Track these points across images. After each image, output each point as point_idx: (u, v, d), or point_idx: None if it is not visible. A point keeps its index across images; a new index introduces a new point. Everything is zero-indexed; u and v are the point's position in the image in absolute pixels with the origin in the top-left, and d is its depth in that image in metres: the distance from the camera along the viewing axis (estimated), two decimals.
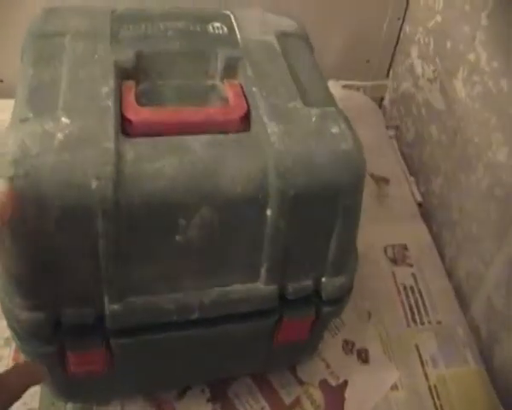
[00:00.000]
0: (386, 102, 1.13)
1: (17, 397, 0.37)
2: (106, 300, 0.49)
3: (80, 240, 0.46)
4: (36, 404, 0.64)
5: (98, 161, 0.45)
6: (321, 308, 0.58)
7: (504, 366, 0.72)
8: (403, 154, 1.02)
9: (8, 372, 0.38)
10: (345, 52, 1.04)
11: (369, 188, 0.92)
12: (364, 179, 0.52)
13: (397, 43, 1.05)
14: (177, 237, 0.48)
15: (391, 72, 1.10)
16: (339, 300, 0.58)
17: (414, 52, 0.99)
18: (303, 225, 0.51)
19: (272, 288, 0.54)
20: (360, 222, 0.83)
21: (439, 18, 0.89)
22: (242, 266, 0.53)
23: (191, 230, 0.48)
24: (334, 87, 1.04)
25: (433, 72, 0.91)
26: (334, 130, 0.53)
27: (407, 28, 1.01)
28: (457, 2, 0.83)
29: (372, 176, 0.93)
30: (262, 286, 0.53)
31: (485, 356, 0.74)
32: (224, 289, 0.53)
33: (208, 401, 0.66)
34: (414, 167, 0.99)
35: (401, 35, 1.04)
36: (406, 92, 1.02)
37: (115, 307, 0.50)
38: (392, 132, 1.03)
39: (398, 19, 1.02)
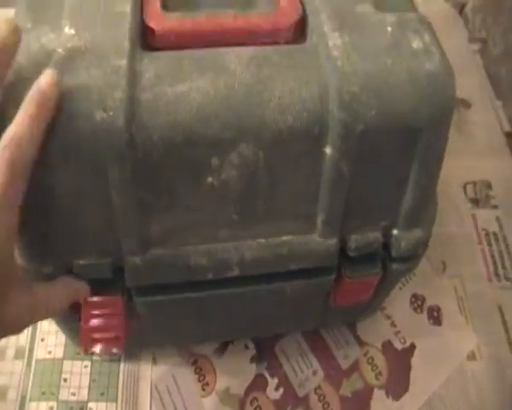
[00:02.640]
0: (468, 10, 0.95)
1: (63, 307, 0.39)
2: (124, 252, 0.40)
3: (88, 183, 0.37)
4: (60, 354, 0.57)
5: (106, 84, 0.34)
6: (390, 266, 0.47)
7: None
8: (488, 72, 0.86)
9: (55, 282, 0.40)
10: None
11: None
12: (453, 111, 0.40)
13: None
14: (209, 179, 0.38)
15: None
16: (412, 256, 0.47)
17: None
18: (372, 169, 0.40)
19: (331, 242, 0.43)
20: None
21: None
22: (293, 216, 0.42)
23: (227, 170, 0.38)
24: None
25: None
26: (416, 44, 0.40)
27: None
28: None
29: None
30: (318, 239, 0.43)
31: None
32: (270, 241, 0.43)
33: (252, 360, 0.58)
34: (502, 89, 0.83)
35: None
36: None
37: (136, 260, 0.41)
38: (476, 46, 0.87)
39: None
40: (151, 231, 0.40)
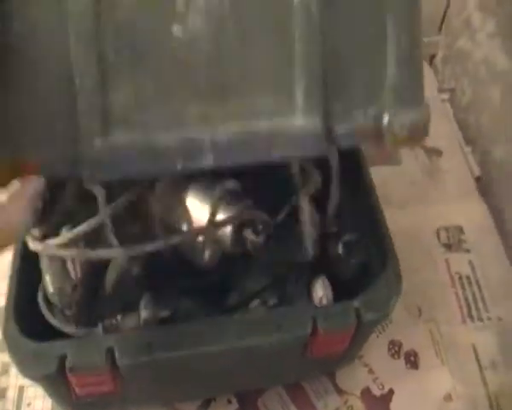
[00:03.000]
0: (437, 61, 1.00)
1: None
2: (83, 134, 0.36)
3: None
4: None
5: None
6: (364, 316, 0.48)
7: None
8: (457, 120, 0.90)
9: None
10: None
11: (419, 161, 0.82)
12: None
13: None
14: (175, 29, 0.36)
15: (443, 26, 0.97)
16: (384, 306, 0.49)
17: (471, 3, 0.86)
18: (344, 19, 0.38)
19: (314, 122, 0.38)
20: (408, 201, 0.73)
21: None
22: (269, 88, 0.38)
23: (193, 16, 0.35)
24: None
25: (496, 25, 0.79)
26: None
27: None
28: None
29: (423, 147, 0.83)
30: (301, 120, 0.38)
31: None
32: (246, 123, 0.38)
33: None
34: (470, 135, 0.87)
35: None
36: (462, 49, 0.90)
37: (97, 142, 0.36)
38: (445, 96, 0.91)
39: None
40: (111, 104, 0.36)
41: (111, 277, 0.51)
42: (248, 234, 0.49)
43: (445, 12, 0.95)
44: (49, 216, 0.50)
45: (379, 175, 0.58)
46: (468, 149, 0.85)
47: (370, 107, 0.40)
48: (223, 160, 0.38)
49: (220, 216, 0.49)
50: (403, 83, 0.40)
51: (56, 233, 0.47)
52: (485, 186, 0.80)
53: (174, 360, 0.47)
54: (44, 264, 0.48)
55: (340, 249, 0.55)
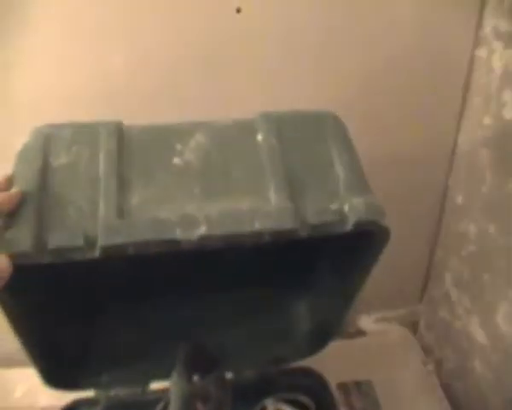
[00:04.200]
0: (421, 329, 1.05)
1: None
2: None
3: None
4: None
5: None
6: None
7: None
8: (445, 389, 0.92)
9: None
10: (375, 283, 1.00)
11: None
12: None
13: (429, 267, 1.01)
14: (175, 160, 0.50)
15: (425, 297, 1.04)
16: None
17: (447, 279, 0.94)
18: (296, 143, 0.53)
19: (286, 204, 0.49)
20: None
21: (472, 248, 0.86)
22: (249, 190, 0.50)
23: (188, 153, 0.51)
24: (367, 323, 1.00)
25: (471, 303, 0.86)
26: None
27: (440, 253, 0.97)
28: (491, 232, 0.79)
29: None
30: (275, 205, 0.49)
31: None
32: (232, 205, 0.49)
33: None
34: (459, 404, 0.88)
35: (434, 260, 0.99)
36: (443, 319, 0.96)
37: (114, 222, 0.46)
38: (431, 366, 0.94)
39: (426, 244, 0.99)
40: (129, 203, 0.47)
41: None
42: None
43: (424, 285, 1.03)
44: None
45: None
46: None
47: (332, 202, 0.50)
48: (215, 229, 0.47)
49: None
50: (352, 182, 0.51)
51: None
52: None
53: None
54: None
55: None
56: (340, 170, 0.52)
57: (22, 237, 0.43)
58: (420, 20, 0.77)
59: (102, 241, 0.44)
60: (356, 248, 0.58)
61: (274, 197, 0.49)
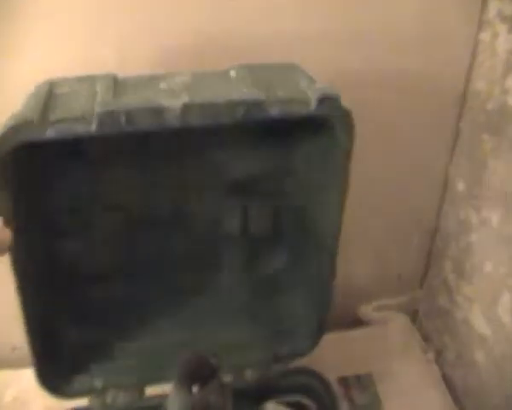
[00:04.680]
0: (421, 316, 1.04)
1: None
2: None
3: None
4: None
5: None
6: None
7: None
8: (445, 378, 0.90)
9: None
10: (374, 270, 0.98)
11: None
12: None
13: (429, 256, 0.99)
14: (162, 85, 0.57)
15: (424, 286, 1.02)
16: None
17: (447, 268, 0.92)
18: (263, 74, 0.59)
19: (257, 92, 0.55)
20: None
21: (473, 236, 0.84)
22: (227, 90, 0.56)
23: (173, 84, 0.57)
24: (366, 312, 0.98)
25: (472, 292, 0.84)
26: None
27: (439, 242, 0.96)
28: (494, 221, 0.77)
29: None
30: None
31: None
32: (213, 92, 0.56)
33: None
34: (457, 393, 0.87)
35: (434, 249, 0.98)
36: (442, 308, 0.94)
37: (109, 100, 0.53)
38: (431, 355, 0.93)
39: (427, 232, 0.97)
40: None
41: None
42: None
43: (424, 273, 1.01)
44: None
45: None
46: None
47: (297, 92, 0.57)
48: (195, 99, 0.53)
49: None
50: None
51: None
52: None
53: None
54: None
55: None
56: (304, 83, 0.58)
57: (28, 115, 0.49)
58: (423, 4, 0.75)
59: (98, 109, 0.50)
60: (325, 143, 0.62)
61: (247, 90, 0.55)
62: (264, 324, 0.72)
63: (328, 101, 0.55)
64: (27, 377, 0.65)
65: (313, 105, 0.54)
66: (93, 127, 0.49)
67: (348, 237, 0.92)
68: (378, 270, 0.99)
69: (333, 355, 0.80)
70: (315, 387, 0.69)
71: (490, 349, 0.80)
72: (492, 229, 0.78)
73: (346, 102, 0.57)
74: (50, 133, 0.49)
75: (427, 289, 1.01)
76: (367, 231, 0.93)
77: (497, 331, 0.78)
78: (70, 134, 0.49)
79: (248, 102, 0.53)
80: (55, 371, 0.62)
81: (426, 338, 0.98)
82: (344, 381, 0.84)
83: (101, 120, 0.49)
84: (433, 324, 0.99)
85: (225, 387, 0.57)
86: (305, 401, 0.69)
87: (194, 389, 0.52)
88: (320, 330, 0.71)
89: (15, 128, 0.48)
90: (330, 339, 0.78)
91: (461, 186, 0.87)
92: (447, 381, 0.90)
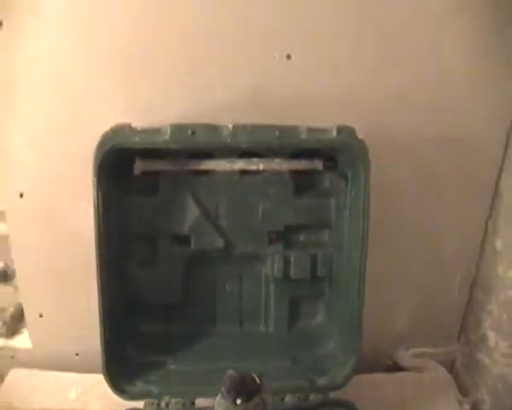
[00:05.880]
0: (457, 367, 1.06)
1: None
2: None
3: None
4: None
5: None
6: None
7: None
8: None
9: None
10: (414, 317, 1.02)
11: None
12: None
13: (467, 308, 1.03)
14: None
15: (462, 337, 1.05)
16: None
17: (485, 322, 0.95)
18: None
19: None
20: None
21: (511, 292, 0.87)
22: None
23: None
24: (403, 357, 1.01)
25: (508, 348, 0.87)
26: None
27: (478, 294, 0.99)
28: None
29: None
30: None
31: None
32: None
33: None
34: None
35: (472, 302, 1.01)
36: (480, 362, 0.97)
37: None
38: (467, 407, 0.95)
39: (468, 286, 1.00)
40: None
41: None
42: None
43: (462, 325, 1.04)
44: None
45: None
46: None
47: None
48: None
49: None
50: None
51: None
52: None
53: None
54: None
55: None
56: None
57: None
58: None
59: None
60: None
61: None
62: (304, 361, 0.79)
63: (345, 128, 0.70)
64: (88, 380, 0.83)
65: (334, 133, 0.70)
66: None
67: (389, 283, 0.97)
68: (417, 319, 1.02)
69: (368, 395, 0.83)
70: None
71: None
72: None
73: None
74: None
75: (464, 342, 1.04)
76: (408, 278, 0.98)
77: None
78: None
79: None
80: (121, 374, 0.74)
81: (462, 390, 1.01)
82: None
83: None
84: (470, 376, 1.01)
85: (267, 405, 0.63)
86: None
87: (238, 401, 0.58)
88: (353, 368, 0.77)
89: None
90: (367, 380, 0.83)
91: (499, 244, 0.91)
92: None
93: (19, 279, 0.94)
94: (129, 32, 0.76)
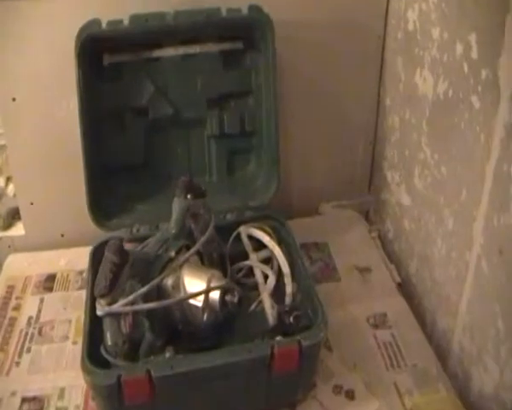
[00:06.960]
0: (371, 214, 1.32)
1: None
2: None
3: None
4: None
5: None
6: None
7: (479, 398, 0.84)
8: (385, 250, 1.19)
9: None
10: (331, 176, 1.28)
11: (354, 277, 1.09)
12: None
13: (373, 164, 1.28)
14: None
15: (372, 189, 1.31)
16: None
17: (385, 166, 1.21)
18: None
19: None
20: (346, 303, 1.01)
21: (397, 134, 1.12)
22: None
23: None
24: (326, 208, 1.26)
25: (399, 176, 1.13)
26: None
27: (378, 147, 1.25)
28: (407, 117, 1.06)
29: (357, 268, 1.11)
30: None
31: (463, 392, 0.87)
32: None
33: None
34: (394, 257, 1.16)
35: (374, 154, 1.26)
36: (384, 200, 1.23)
37: None
38: (375, 234, 1.22)
39: (370, 143, 1.25)
40: None
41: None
42: (229, 298, 0.78)
43: (371, 179, 1.30)
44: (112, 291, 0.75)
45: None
46: (392, 266, 1.13)
47: None
48: None
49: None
50: None
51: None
52: (403, 288, 1.08)
53: (187, 373, 0.73)
54: (106, 324, 0.74)
55: (292, 320, 0.84)
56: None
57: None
58: None
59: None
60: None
61: None
62: (240, 193, 1.04)
63: (254, 7, 0.93)
64: (72, 253, 1.09)
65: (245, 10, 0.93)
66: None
67: (306, 145, 1.21)
68: (333, 176, 1.27)
69: (295, 230, 1.07)
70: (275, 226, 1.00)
71: (412, 215, 1.08)
72: (411, 125, 1.06)
73: None
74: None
75: (373, 190, 1.30)
76: (321, 141, 1.22)
77: (415, 198, 1.06)
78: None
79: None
80: (101, 215, 0.97)
81: (372, 224, 1.27)
82: (305, 246, 1.12)
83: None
84: (378, 215, 1.27)
85: (211, 211, 0.85)
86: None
87: (189, 196, 0.81)
88: (274, 192, 1.05)
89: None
90: (296, 222, 1.07)
91: (387, 100, 1.16)
92: (388, 252, 1.18)
93: (12, 172, 1.14)
94: None
